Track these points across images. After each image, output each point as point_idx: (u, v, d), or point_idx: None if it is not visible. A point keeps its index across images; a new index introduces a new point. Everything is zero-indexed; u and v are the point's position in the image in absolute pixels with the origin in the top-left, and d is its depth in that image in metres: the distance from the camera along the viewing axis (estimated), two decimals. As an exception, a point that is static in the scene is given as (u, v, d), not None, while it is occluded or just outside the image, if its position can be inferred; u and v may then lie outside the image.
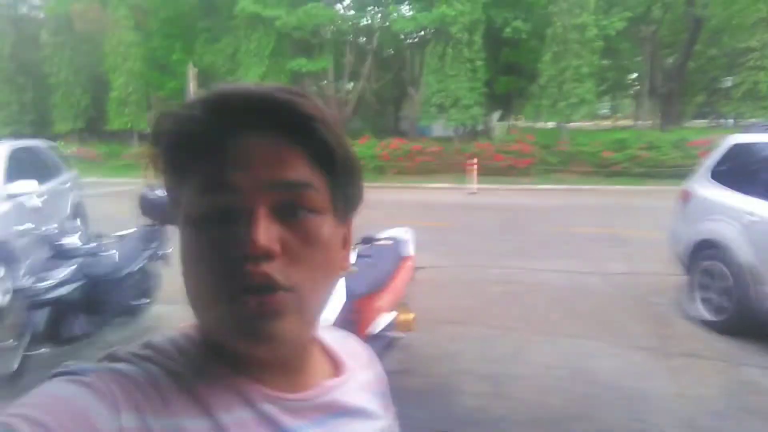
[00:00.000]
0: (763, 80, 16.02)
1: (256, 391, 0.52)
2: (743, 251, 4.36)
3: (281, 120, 0.51)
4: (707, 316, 4.66)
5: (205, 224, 0.49)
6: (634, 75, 27.21)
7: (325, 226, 0.52)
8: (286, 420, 0.53)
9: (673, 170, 12.93)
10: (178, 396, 0.49)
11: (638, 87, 26.69)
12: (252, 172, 0.49)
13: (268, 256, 0.47)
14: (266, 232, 0.47)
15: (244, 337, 0.49)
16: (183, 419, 0.48)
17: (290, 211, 0.50)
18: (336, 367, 0.63)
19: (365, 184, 0.58)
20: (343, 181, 0.54)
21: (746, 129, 6.10)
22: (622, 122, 35.43)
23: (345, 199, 0.55)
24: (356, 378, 0.63)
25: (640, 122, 24.70)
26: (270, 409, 0.52)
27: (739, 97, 16.83)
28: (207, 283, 0.49)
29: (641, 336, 4.50)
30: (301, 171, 0.51)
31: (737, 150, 5.03)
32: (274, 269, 0.48)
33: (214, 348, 0.53)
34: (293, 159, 0.51)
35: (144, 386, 0.48)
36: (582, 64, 16.76)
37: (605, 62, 21.42)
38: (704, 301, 4.76)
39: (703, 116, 28.49)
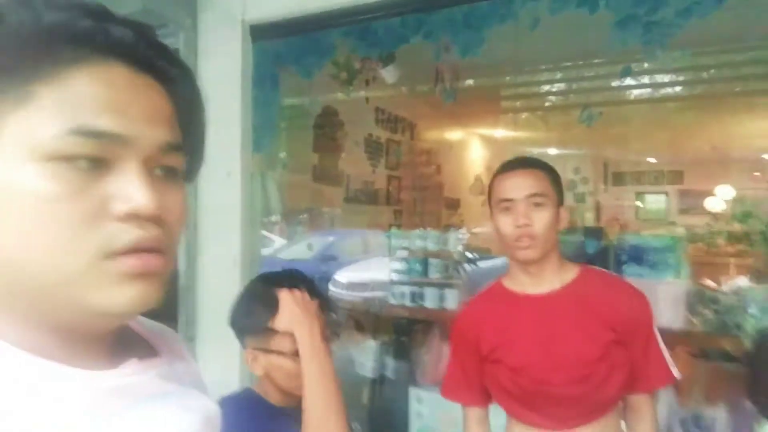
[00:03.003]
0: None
1: (38, 369, 0.43)
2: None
3: (155, 54, 0.46)
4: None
5: (70, 166, 0.41)
6: None
7: (183, 192, 0.49)
8: (76, 404, 0.43)
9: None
10: None
11: None
12: (135, 121, 0.43)
13: (154, 218, 0.44)
14: (152, 193, 0.43)
15: (116, 299, 0.43)
16: None
17: (158, 169, 0.46)
18: (148, 350, 0.56)
19: None
20: (196, 144, 0.52)
21: None
22: None
23: (192, 163, 0.52)
24: (171, 365, 0.57)
25: None
26: (57, 388, 0.43)
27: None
28: (69, 237, 0.41)
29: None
30: (176, 130, 0.48)
31: None
32: (160, 233, 0.45)
33: None
34: (169, 112, 0.47)
35: None
36: None
37: None
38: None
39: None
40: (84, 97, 0.41)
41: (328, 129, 3.64)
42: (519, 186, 1.23)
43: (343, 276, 3.97)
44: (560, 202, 1.27)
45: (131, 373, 0.48)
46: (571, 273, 1.28)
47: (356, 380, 2.90)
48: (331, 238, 4.96)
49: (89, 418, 0.43)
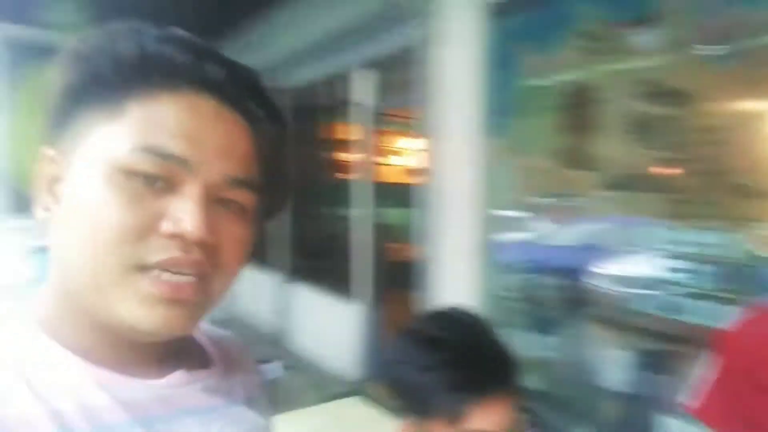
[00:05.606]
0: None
1: (85, 373, 0.45)
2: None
3: (246, 93, 0.48)
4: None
5: (133, 180, 0.44)
6: None
7: (248, 228, 0.50)
8: (113, 413, 0.45)
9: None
10: None
11: None
12: (205, 150, 0.45)
13: (200, 244, 0.45)
14: (205, 220, 0.45)
15: (139, 317, 0.44)
16: None
17: (223, 201, 0.48)
18: (201, 361, 0.56)
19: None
20: (276, 185, 0.52)
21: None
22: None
23: (270, 203, 0.53)
24: (223, 377, 0.56)
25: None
26: (97, 397, 0.45)
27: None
28: (113, 243, 0.43)
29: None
30: (250, 167, 0.49)
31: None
32: (203, 259, 0.46)
33: (40, 317, 0.47)
34: (247, 150, 0.48)
35: None
36: None
37: None
38: None
39: None
40: (164, 120, 0.45)
41: (579, 108, 3.34)
42: None
43: (603, 268, 3.65)
44: None
45: (176, 384, 0.50)
46: None
47: (593, 391, 2.61)
48: (590, 227, 4.63)
49: (127, 426, 0.45)
